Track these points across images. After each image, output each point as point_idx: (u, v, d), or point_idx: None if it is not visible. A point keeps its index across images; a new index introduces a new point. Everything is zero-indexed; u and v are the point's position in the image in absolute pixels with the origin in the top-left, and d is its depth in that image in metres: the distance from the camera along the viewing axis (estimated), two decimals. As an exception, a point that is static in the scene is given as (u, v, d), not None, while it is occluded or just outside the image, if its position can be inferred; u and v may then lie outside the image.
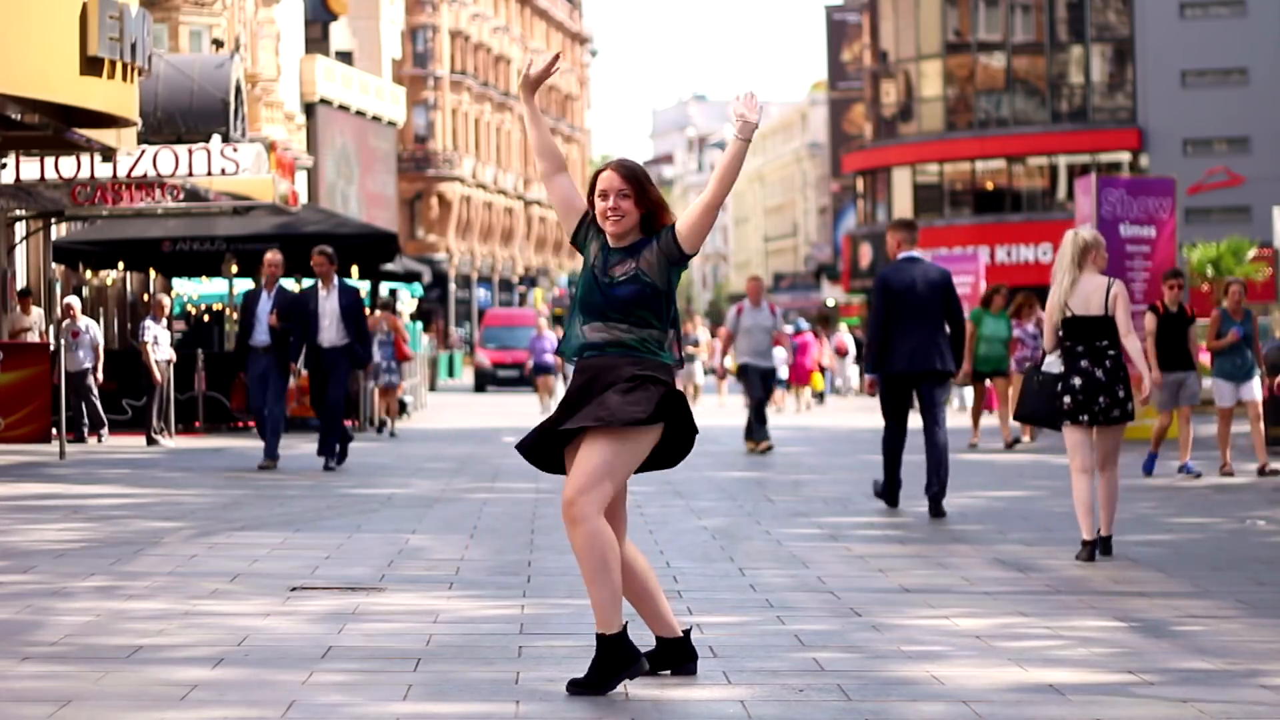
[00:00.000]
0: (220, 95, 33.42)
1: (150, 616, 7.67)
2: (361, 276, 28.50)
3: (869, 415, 22.58)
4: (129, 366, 22.77)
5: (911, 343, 12.81)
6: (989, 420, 22.60)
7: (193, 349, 25.49)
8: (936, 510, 12.53)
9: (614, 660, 6.04)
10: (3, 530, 11.24)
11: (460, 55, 79.06)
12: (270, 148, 35.88)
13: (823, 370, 40.29)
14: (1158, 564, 9.76)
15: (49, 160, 23.72)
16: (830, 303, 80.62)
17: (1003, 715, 5.74)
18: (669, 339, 6.23)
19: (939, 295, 12.89)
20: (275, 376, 17.06)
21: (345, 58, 63.87)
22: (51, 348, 20.60)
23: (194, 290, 33.47)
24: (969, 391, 35.21)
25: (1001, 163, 61.16)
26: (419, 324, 44.57)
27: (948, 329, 12.97)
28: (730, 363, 21.90)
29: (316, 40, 60.98)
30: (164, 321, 21.86)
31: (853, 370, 44.42)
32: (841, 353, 43.99)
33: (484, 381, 48.70)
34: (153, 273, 29.23)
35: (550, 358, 32.72)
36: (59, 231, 28.97)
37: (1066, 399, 10.05)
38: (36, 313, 23.85)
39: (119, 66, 19.36)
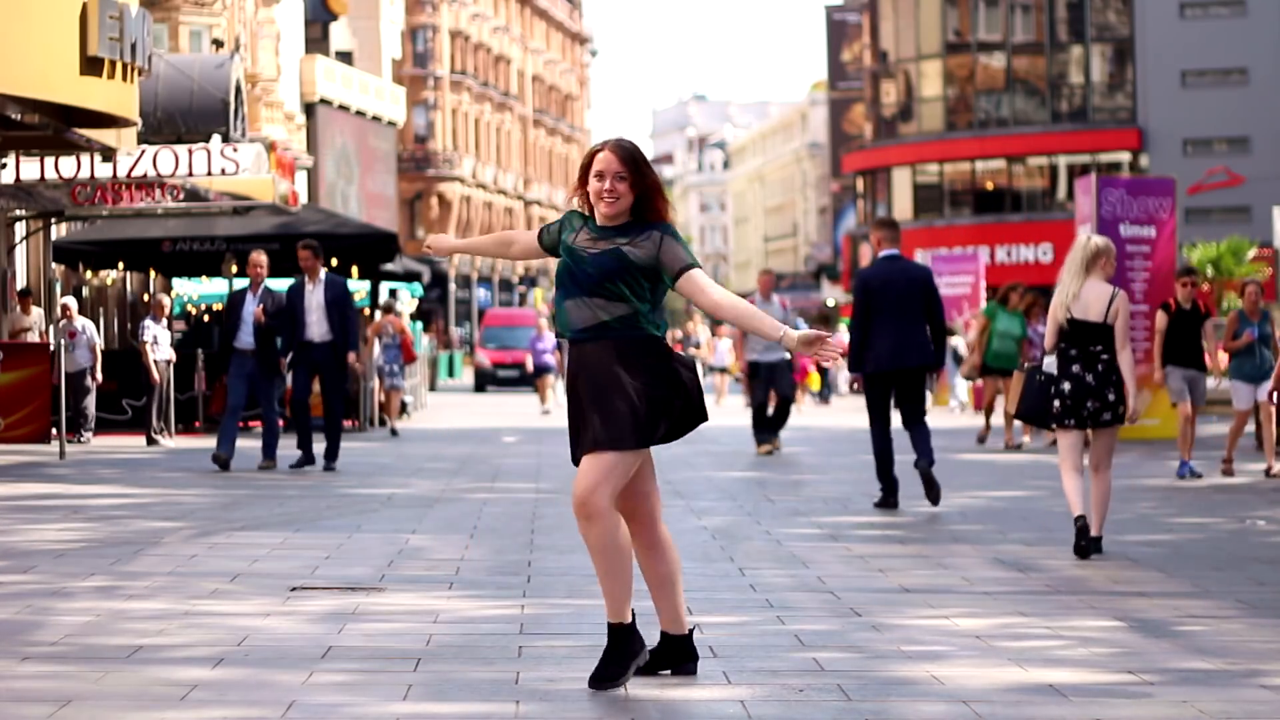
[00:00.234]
0: (220, 95, 33.43)
1: (150, 616, 7.67)
2: (361, 276, 28.52)
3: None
4: (129, 366, 22.77)
5: (891, 340, 13.05)
6: (995, 419, 22.54)
7: (193, 349, 25.48)
8: (931, 486, 12.82)
9: (625, 649, 6.12)
10: (3, 530, 11.24)
11: (460, 55, 79.07)
12: (270, 148, 35.89)
13: (824, 371, 40.28)
14: (1158, 564, 9.76)
15: (49, 160, 23.72)
16: (830, 303, 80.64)
17: (1003, 715, 5.74)
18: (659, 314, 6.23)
19: (919, 293, 13.12)
20: (263, 379, 16.94)
21: (345, 58, 63.88)
22: (51, 348, 20.60)
23: (194, 290, 33.47)
24: (963, 388, 35.26)
25: (1001, 163, 61.18)
26: (419, 324, 44.58)
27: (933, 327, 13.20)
28: (724, 361, 21.99)
29: (316, 40, 60.99)
30: (164, 321, 21.86)
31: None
32: (842, 353, 43.97)
33: (484, 381, 48.71)
34: (153, 273, 29.23)
35: (550, 358, 32.73)
36: (59, 231, 28.97)
37: (1056, 403, 10.22)
38: (36, 313, 23.85)
39: (119, 66, 19.36)
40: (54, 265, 28.77)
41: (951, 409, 35.28)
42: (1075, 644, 7.12)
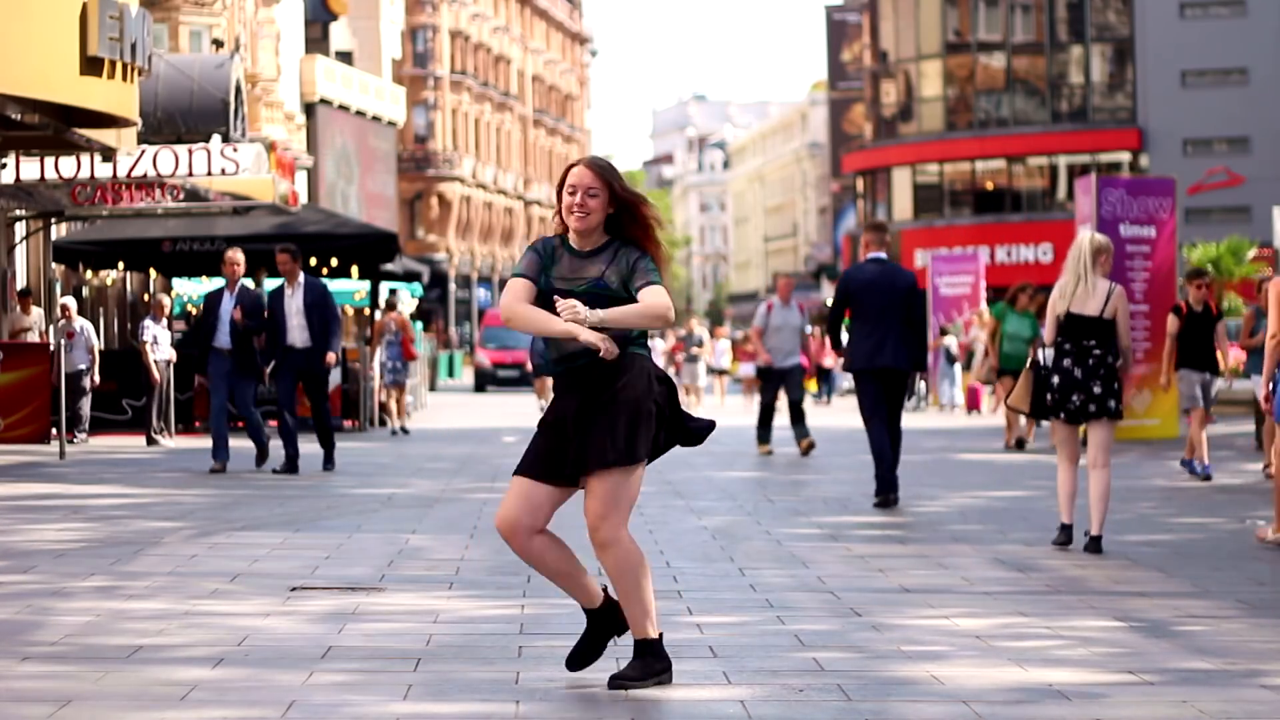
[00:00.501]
0: (220, 95, 33.42)
1: (150, 616, 7.67)
2: (361, 276, 28.55)
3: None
4: (129, 366, 22.77)
5: (870, 341, 13.41)
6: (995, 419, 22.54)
7: (193, 349, 25.48)
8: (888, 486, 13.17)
9: (653, 662, 6.14)
10: (3, 530, 11.24)
11: (460, 55, 79.07)
12: (270, 148, 35.89)
13: (824, 371, 40.27)
14: (1158, 564, 9.76)
15: (49, 160, 23.71)
16: (830, 303, 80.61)
17: (1003, 715, 5.74)
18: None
19: (901, 299, 13.47)
20: (241, 380, 16.71)
21: (345, 58, 63.88)
22: (51, 348, 20.60)
23: (194, 290, 33.46)
24: (957, 389, 35.27)
25: (1001, 163, 61.19)
26: (419, 324, 44.59)
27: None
28: (733, 365, 21.90)
29: (316, 40, 60.98)
30: (164, 321, 21.85)
31: None
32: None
33: (484, 381, 48.71)
34: (153, 273, 29.23)
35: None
36: (59, 231, 28.97)
37: (1047, 395, 10.47)
38: (36, 313, 23.85)
39: (119, 66, 19.36)
40: (54, 265, 28.77)
41: (944, 405, 35.31)
42: (1075, 644, 7.12)
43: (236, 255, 16.91)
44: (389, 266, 28.93)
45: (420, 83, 75.87)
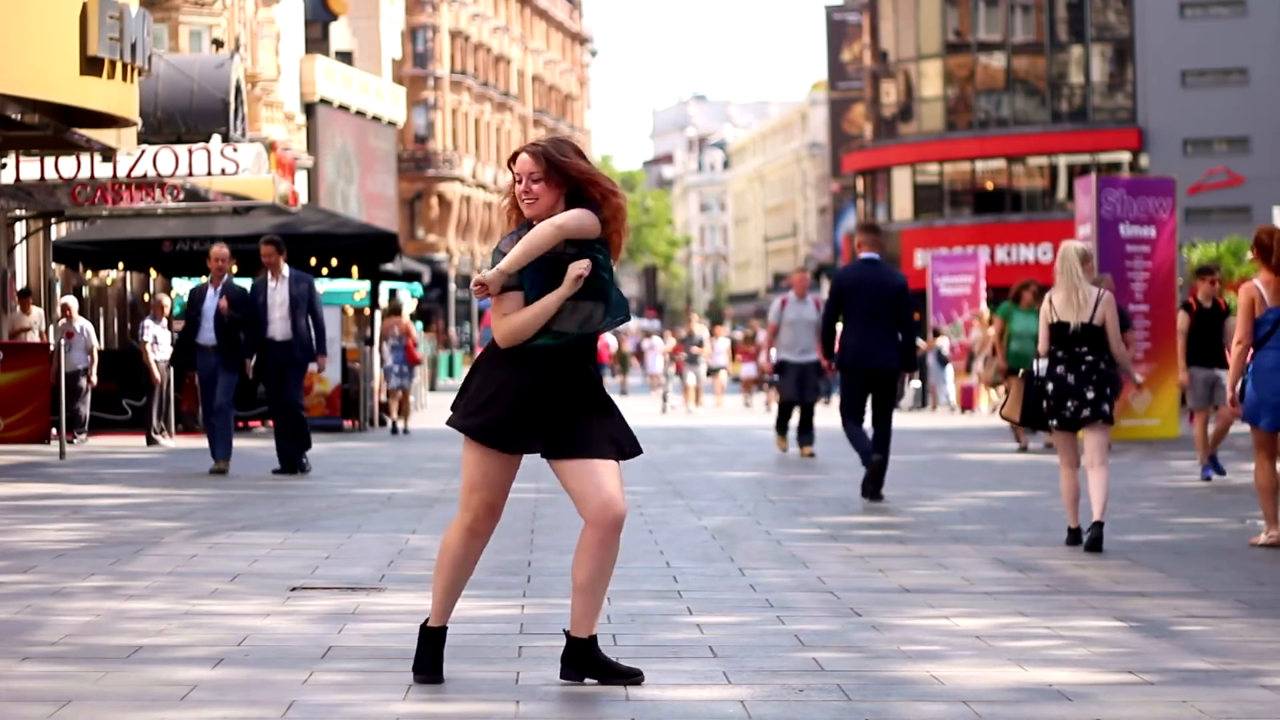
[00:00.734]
0: (220, 95, 33.43)
1: (150, 616, 7.67)
2: (361, 276, 28.54)
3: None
4: (129, 366, 22.76)
5: (860, 341, 13.69)
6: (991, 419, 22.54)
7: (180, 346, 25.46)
8: (876, 483, 13.37)
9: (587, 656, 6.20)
10: (3, 530, 11.24)
11: (460, 55, 79.07)
12: (270, 148, 35.88)
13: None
14: (1158, 564, 9.76)
15: (49, 160, 23.71)
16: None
17: (1003, 715, 5.74)
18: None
19: (891, 299, 13.70)
20: (224, 374, 16.39)
21: (345, 58, 63.87)
22: (51, 348, 20.60)
23: (194, 290, 33.43)
24: (951, 391, 35.28)
25: (1001, 163, 61.18)
26: (419, 324, 44.59)
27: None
28: (744, 361, 21.88)
29: (316, 40, 60.98)
30: (164, 321, 21.86)
31: None
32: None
33: (484, 381, 48.54)
34: (153, 273, 29.23)
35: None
36: (59, 231, 28.97)
37: (1044, 402, 10.64)
38: (36, 313, 23.86)
39: (119, 66, 19.36)
40: (54, 265, 28.76)
41: (942, 404, 35.32)
42: (1075, 644, 7.12)
43: (222, 251, 16.64)
44: (389, 266, 28.93)
45: (420, 83, 75.87)
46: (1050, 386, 10.57)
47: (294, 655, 6.72)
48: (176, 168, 24.17)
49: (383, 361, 26.02)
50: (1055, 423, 10.59)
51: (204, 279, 17.19)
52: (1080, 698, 6.00)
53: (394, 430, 24.90)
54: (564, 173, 6.06)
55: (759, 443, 23.11)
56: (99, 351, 22.45)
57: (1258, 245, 10.69)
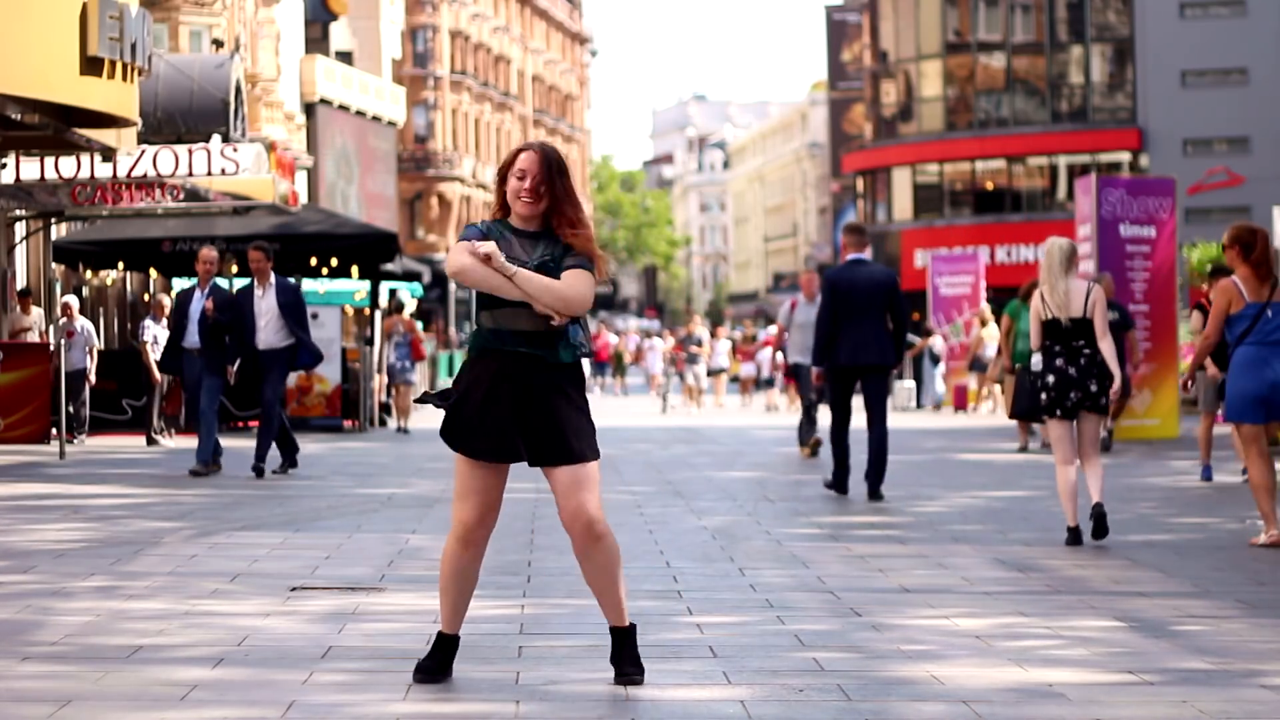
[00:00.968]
0: (220, 95, 33.42)
1: (150, 616, 7.67)
2: (361, 276, 28.54)
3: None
4: (129, 366, 22.76)
5: (855, 338, 13.92)
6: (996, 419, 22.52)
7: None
8: (875, 494, 13.77)
9: (636, 644, 6.24)
10: (3, 530, 11.25)
11: (460, 55, 79.07)
12: (270, 148, 35.87)
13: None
14: (1158, 564, 9.76)
15: (49, 160, 23.71)
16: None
17: (1003, 715, 5.74)
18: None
19: (883, 295, 14.00)
20: (208, 377, 16.20)
21: (345, 58, 63.86)
22: (51, 348, 20.61)
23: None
24: (941, 389, 35.30)
25: (1001, 163, 61.19)
26: (419, 324, 44.58)
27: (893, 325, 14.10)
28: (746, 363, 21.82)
29: (316, 40, 60.96)
30: (164, 321, 21.83)
31: None
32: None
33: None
34: (153, 273, 29.23)
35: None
36: (59, 231, 28.97)
37: (1043, 395, 10.83)
38: (36, 313, 23.86)
39: (119, 66, 19.36)
40: (54, 265, 28.76)
41: (925, 406, 35.34)
42: (1075, 644, 7.12)
43: (210, 253, 16.44)
44: (389, 266, 28.93)
45: (420, 83, 75.86)
46: (1051, 379, 10.76)
47: (294, 655, 6.72)
48: (176, 168, 24.17)
49: (386, 360, 26.14)
50: (1059, 413, 10.74)
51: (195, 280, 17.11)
52: (1080, 698, 6.00)
53: (399, 429, 25.12)
54: (561, 187, 6.09)
55: (759, 443, 23.12)
56: (99, 351, 22.45)
57: (1239, 242, 10.78)
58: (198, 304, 16.30)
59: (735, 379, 45.77)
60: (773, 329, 33.83)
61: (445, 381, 54.30)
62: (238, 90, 34.55)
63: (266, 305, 16.07)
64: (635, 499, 13.92)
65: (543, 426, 6.06)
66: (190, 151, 24.46)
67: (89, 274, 29.62)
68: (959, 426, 27.75)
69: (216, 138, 27.49)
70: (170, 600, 8.17)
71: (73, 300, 22.15)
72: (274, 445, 16.38)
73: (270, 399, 16.03)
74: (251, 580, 8.89)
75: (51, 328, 22.72)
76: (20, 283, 26.19)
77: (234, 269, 26.26)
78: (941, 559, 9.97)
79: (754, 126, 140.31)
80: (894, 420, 14.16)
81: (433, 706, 5.85)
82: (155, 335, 21.32)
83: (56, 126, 20.31)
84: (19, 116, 19.54)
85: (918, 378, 36.45)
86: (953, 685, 6.21)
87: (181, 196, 25.36)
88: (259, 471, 15.87)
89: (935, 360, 35.30)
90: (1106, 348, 10.75)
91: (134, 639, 7.07)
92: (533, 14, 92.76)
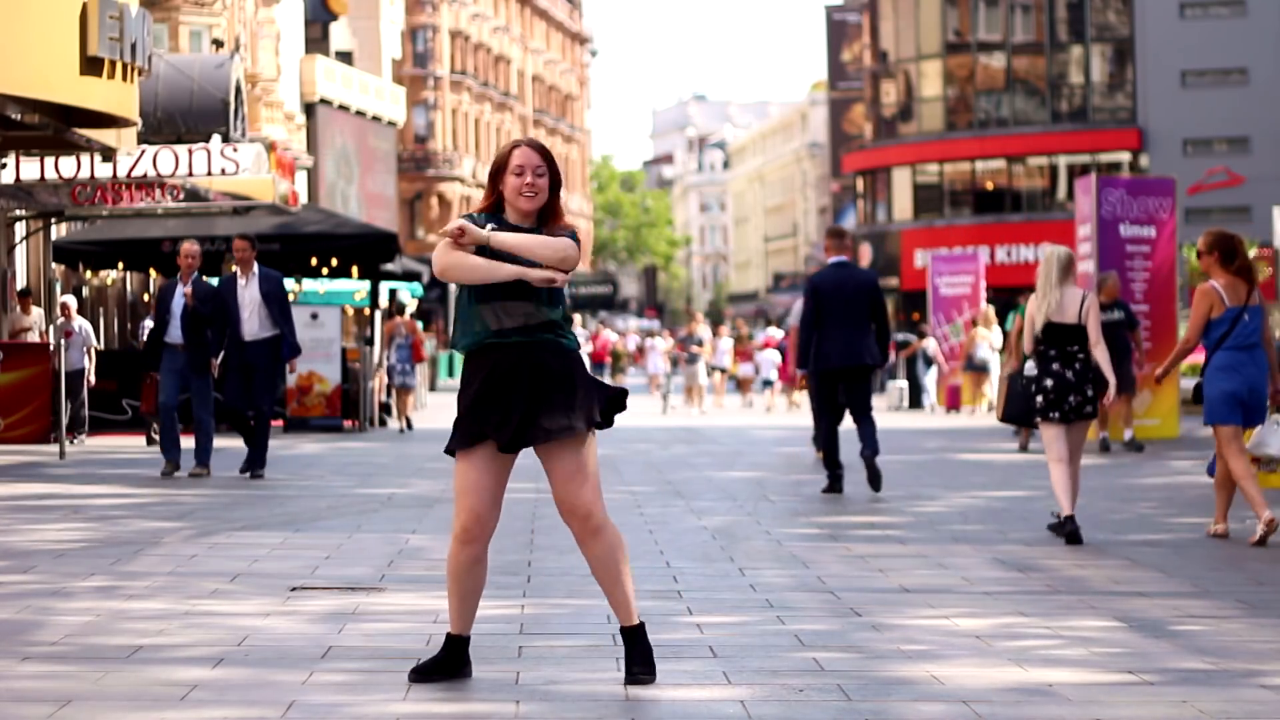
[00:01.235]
0: (220, 95, 33.43)
1: (150, 616, 7.67)
2: (361, 276, 28.56)
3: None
4: (129, 366, 22.75)
5: (839, 340, 14.12)
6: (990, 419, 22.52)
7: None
8: (874, 474, 13.86)
9: (647, 643, 6.20)
10: (3, 530, 11.24)
11: (460, 55, 79.08)
12: (270, 148, 35.88)
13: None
14: (1158, 564, 9.76)
15: (49, 160, 23.72)
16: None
17: (1003, 715, 5.74)
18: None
19: (865, 297, 14.22)
20: (195, 379, 15.91)
21: (345, 58, 63.86)
22: (51, 348, 20.61)
23: (194, 290, 33.41)
24: (934, 390, 35.24)
25: (1001, 163, 61.20)
26: (419, 324, 44.59)
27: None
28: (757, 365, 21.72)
29: (316, 40, 60.97)
30: (160, 320, 21.83)
31: None
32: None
33: (484, 381, 48.56)
34: (153, 273, 29.24)
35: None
36: (59, 231, 28.98)
37: (1039, 398, 10.99)
38: (37, 313, 23.86)
39: (119, 66, 19.36)
40: (54, 265, 28.78)
41: (925, 407, 35.34)
42: (1075, 644, 7.12)
43: (192, 248, 16.14)
44: (389, 266, 28.95)
45: (420, 83, 75.87)
46: (1049, 383, 10.93)
47: (294, 655, 6.72)
48: (176, 168, 24.17)
49: (387, 361, 26.19)
50: (1056, 415, 10.90)
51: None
52: (1080, 698, 6.00)
53: (402, 428, 25.19)
54: (556, 177, 6.16)
55: (759, 443, 23.12)
56: (99, 351, 22.44)
57: (1219, 249, 10.93)
58: (179, 298, 16.01)
59: (734, 379, 45.76)
60: (772, 330, 33.87)
61: (445, 381, 54.33)
62: (238, 90, 34.56)
63: (250, 295, 15.99)
64: (635, 499, 13.92)
65: (542, 409, 6.07)
66: (190, 151, 24.47)
67: (89, 274, 29.63)
68: (959, 426, 27.76)
69: (216, 138, 27.50)
70: (170, 600, 8.17)
71: (70, 300, 22.14)
72: (202, 444, 16.11)
73: (263, 405, 15.97)
74: (251, 580, 8.89)
75: (51, 328, 22.72)
76: (20, 283, 26.20)
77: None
78: (941, 559, 9.97)
79: (754, 126, 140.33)
80: (887, 420, 14.21)
81: (433, 706, 5.85)
82: (155, 335, 21.31)
83: (56, 126, 20.31)
84: (19, 116, 19.54)
85: (912, 378, 36.47)
86: (953, 685, 6.21)
87: (181, 196, 25.37)
88: (257, 475, 15.86)
89: (929, 362, 35.35)
90: (1100, 355, 10.91)
91: (134, 639, 7.07)
92: (533, 14, 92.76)
